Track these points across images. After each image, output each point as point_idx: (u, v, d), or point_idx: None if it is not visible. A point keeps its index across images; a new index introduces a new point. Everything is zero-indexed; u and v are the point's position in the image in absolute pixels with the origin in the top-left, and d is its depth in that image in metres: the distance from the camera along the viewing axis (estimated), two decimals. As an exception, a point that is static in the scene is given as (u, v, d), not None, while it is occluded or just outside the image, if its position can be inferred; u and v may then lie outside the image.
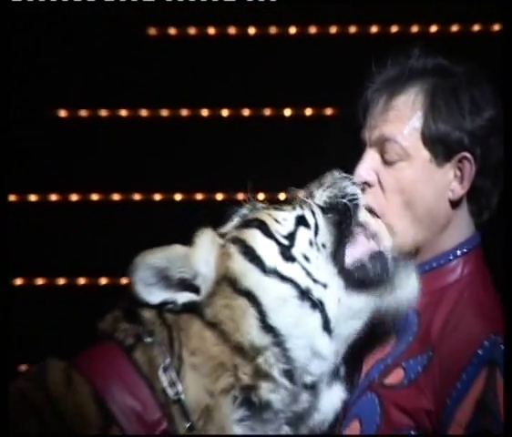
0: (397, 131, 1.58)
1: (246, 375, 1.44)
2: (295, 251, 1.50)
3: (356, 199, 1.56)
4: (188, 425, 1.42)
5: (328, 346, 1.45)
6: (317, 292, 1.47)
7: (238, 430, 1.46)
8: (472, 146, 1.57)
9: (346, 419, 1.64)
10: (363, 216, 1.57)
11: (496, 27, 5.05)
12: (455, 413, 1.53)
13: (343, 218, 1.54)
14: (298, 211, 1.55)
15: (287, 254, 1.50)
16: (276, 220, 1.55)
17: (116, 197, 4.53)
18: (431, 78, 1.60)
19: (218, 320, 1.46)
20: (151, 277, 1.45)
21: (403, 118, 1.60)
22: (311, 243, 1.51)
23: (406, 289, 1.54)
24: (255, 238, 1.51)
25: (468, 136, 1.57)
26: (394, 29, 4.14)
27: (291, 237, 1.51)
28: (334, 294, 1.48)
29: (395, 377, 1.60)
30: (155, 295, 1.45)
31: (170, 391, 1.43)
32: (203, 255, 1.51)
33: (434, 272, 1.61)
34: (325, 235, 1.52)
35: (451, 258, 1.62)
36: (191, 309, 1.47)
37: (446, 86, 1.60)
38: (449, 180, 1.60)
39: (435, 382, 1.55)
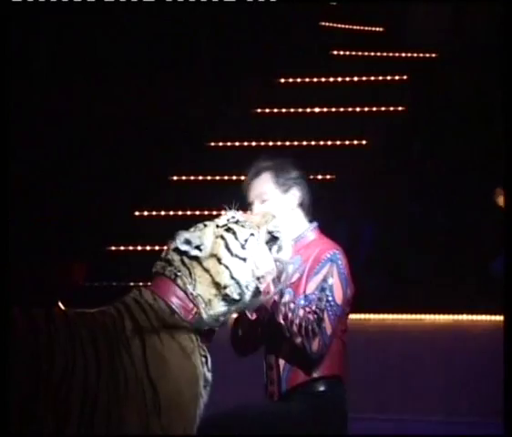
0: (263, 190, 3.06)
1: (223, 291, 2.68)
2: (247, 247, 2.73)
3: (279, 230, 2.82)
4: (203, 306, 2.66)
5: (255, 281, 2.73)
6: (254, 259, 2.72)
7: (221, 308, 2.69)
8: (297, 186, 3.05)
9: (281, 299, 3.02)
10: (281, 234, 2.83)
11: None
12: (314, 280, 2.92)
13: (273, 235, 2.81)
14: (251, 230, 2.79)
15: (244, 247, 2.73)
16: (240, 232, 2.76)
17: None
18: (273, 169, 3.07)
19: (209, 269, 2.70)
20: (183, 239, 2.68)
21: (265, 184, 3.05)
22: (255, 242, 2.76)
23: (287, 252, 2.79)
24: (230, 239, 2.72)
25: (295, 182, 3.05)
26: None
27: (246, 241, 2.74)
28: (262, 256, 2.77)
29: (295, 276, 3.00)
30: (183, 247, 2.67)
31: (194, 293, 2.66)
32: (207, 236, 2.74)
33: (301, 239, 3.05)
34: (263, 239, 2.78)
35: (305, 233, 3.08)
36: (197, 259, 2.69)
37: (281, 169, 3.04)
38: (290, 201, 3.06)
39: (308, 271, 2.96)
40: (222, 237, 2.80)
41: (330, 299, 3.00)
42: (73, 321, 2.76)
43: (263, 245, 2.89)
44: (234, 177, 8.12)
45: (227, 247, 2.80)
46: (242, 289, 2.80)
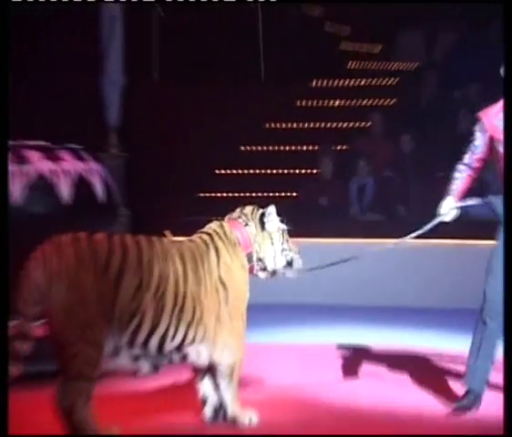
0: None
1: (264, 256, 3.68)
2: (284, 253, 3.74)
3: (296, 257, 3.79)
4: (255, 250, 3.60)
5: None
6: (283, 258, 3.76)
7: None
8: None
9: None
10: None
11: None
12: None
13: (291, 259, 3.80)
14: (289, 247, 3.75)
15: (282, 252, 3.71)
16: (285, 241, 3.71)
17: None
18: None
19: (265, 239, 3.67)
20: (269, 211, 3.58)
21: None
22: (294, 255, 3.78)
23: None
24: (280, 239, 3.68)
25: None
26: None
27: (284, 250, 3.72)
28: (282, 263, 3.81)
29: None
30: (268, 212, 3.63)
31: (252, 239, 3.56)
32: (274, 222, 3.67)
33: None
34: (291, 256, 3.78)
35: None
36: (262, 224, 3.59)
37: None
38: None
39: None
40: (280, 233, 3.79)
41: None
42: (166, 245, 3.50)
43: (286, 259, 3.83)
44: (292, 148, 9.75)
45: (278, 239, 3.78)
46: (269, 265, 3.79)
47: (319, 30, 10.87)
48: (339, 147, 9.60)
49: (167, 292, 3.39)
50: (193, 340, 3.52)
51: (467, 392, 4.08)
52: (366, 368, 5.22)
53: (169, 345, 3.50)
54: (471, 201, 4.18)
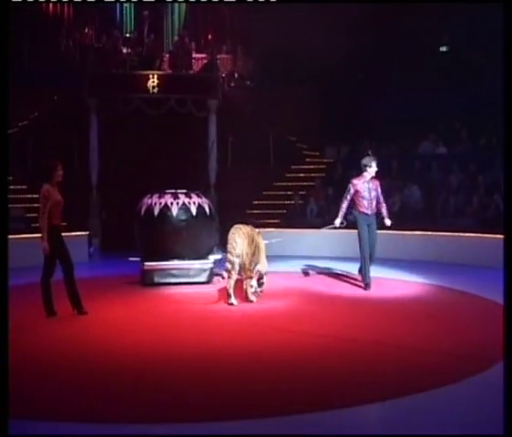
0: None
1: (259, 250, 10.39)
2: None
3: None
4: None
5: None
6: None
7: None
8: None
9: None
10: None
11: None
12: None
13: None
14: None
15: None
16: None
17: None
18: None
19: (260, 242, 10.61)
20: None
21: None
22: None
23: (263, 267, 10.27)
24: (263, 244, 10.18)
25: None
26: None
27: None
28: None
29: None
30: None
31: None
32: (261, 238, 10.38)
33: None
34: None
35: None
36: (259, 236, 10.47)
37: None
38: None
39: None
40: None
41: None
42: (249, 227, 10.10)
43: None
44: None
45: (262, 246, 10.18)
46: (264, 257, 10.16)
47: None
48: (301, 193, 18.54)
49: (257, 243, 9.88)
50: (259, 261, 9.85)
51: (366, 284, 10.71)
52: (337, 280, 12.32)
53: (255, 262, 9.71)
54: (344, 220, 10.64)
